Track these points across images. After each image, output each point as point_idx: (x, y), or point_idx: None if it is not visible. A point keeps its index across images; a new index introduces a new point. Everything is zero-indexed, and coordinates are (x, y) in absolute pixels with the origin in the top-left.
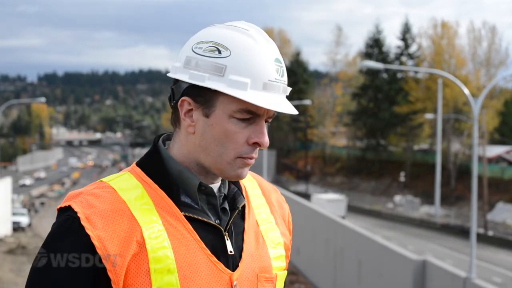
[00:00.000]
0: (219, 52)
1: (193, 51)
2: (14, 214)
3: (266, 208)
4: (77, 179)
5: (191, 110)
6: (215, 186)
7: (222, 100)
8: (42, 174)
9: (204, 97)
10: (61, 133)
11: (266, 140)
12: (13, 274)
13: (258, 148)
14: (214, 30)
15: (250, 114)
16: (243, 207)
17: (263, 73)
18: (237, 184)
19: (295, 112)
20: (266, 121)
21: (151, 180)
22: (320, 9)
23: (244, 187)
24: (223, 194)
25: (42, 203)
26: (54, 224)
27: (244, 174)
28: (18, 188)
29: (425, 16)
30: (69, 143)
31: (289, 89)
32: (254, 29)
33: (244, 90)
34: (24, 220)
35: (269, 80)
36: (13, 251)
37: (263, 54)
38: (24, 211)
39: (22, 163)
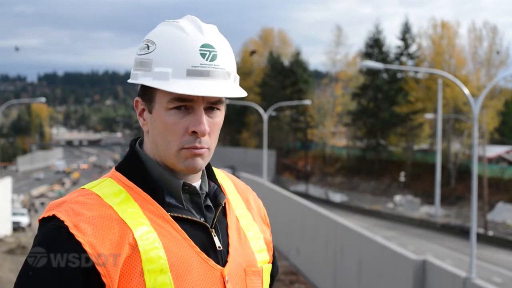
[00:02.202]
0: (148, 48)
1: (136, 53)
2: (14, 214)
3: (242, 205)
4: (77, 179)
5: (144, 110)
6: (196, 184)
7: (159, 94)
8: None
9: (147, 94)
10: (61, 133)
11: (202, 128)
12: (13, 274)
13: (201, 138)
14: (153, 29)
15: (182, 102)
16: (224, 203)
17: (185, 60)
18: (216, 181)
19: (228, 94)
20: (213, 108)
21: (133, 184)
22: (318, 9)
23: (221, 185)
24: (204, 192)
25: (42, 203)
26: (37, 235)
27: (195, 165)
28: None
29: (424, 16)
30: (69, 143)
31: (228, 72)
32: (187, 20)
33: (166, 80)
34: (24, 220)
35: (192, 66)
36: (13, 251)
37: (187, 42)
38: (24, 211)
39: (22, 163)
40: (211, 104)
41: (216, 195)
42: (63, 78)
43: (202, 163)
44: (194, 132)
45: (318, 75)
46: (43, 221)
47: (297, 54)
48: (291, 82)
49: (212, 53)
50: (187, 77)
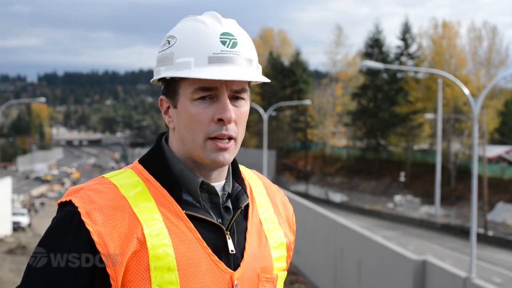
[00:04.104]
0: (169, 43)
1: (158, 51)
2: (14, 214)
3: (269, 208)
4: (77, 179)
5: (168, 107)
6: (219, 184)
7: (182, 87)
8: None
9: (171, 90)
10: (61, 133)
11: (228, 115)
12: (13, 274)
13: (228, 125)
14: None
15: (207, 91)
16: (247, 206)
17: (206, 48)
18: (241, 183)
19: (251, 78)
20: (238, 98)
21: (152, 178)
22: (318, 9)
23: (249, 186)
24: (227, 193)
25: (42, 203)
26: (54, 218)
27: (221, 159)
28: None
29: (421, 16)
30: (69, 143)
31: (250, 59)
32: (207, 14)
33: (188, 69)
34: (24, 220)
35: (213, 54)
36: (13, 251)
37: (206, 31)
38: (24, 211)
39: (22, 163)
40: (235, 93)
41: (238, 197)
42: (63, 78)
43: (228, 157)
44: (220, 120)
45: (318, 75)
46: (61, 205)
47: (297, 54)
48: (291, 82)
49: (232, 41)
50: (209, 64)
